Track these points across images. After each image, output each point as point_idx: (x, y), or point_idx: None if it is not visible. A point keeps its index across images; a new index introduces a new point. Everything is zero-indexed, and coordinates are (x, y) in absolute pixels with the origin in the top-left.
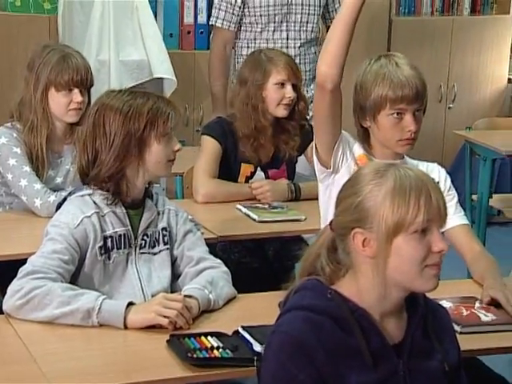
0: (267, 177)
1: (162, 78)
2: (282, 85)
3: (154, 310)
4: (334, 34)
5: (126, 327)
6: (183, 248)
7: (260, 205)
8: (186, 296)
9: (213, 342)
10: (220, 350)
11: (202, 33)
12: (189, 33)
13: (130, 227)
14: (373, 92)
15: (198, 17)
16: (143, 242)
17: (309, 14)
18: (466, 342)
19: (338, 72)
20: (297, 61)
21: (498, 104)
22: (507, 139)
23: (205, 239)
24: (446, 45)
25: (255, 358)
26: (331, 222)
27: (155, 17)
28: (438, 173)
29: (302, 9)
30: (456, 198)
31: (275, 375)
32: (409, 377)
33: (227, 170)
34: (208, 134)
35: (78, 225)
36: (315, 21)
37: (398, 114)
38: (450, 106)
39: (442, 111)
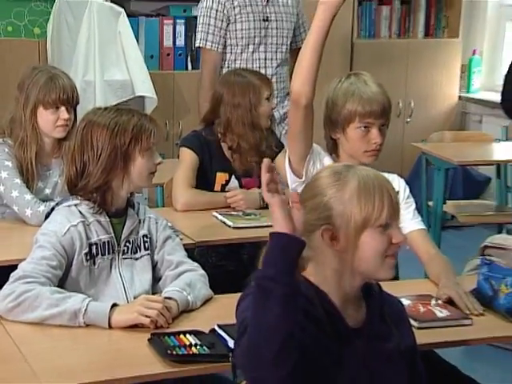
0: (241, 185)
1: (143, 96)
2: (268, 100)
3: (137, 311)
4: (304, 55)
5: (110, 327)
6: (163, 253)
7: (234, 212)
8: (166, 297)
9: (191, 339)
10: (198, 347)
11: (180, 55)
12: (168, 55)
13: (113, 235)
14: (344, 107)
15: (177, 40)
16: (126, 248)
17: (283, 36)
18: (423, 336)
19: (311, 90)
20: (274, 79)
21: (450, 119)
22: (458, 150)
23: (183, 244)
24: (403, 65)
25: (230, 353)
26: None
27: (137, 40)
28: (397, 183)
29: (277, 32)
30: (414, 206)
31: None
32: (368, 357)
33: (204, 179)
34: (186, 146)
35: (65, 233)
36: (288, 42)
37: (365, 127)
38: (408, 120)
39: (401, 125)
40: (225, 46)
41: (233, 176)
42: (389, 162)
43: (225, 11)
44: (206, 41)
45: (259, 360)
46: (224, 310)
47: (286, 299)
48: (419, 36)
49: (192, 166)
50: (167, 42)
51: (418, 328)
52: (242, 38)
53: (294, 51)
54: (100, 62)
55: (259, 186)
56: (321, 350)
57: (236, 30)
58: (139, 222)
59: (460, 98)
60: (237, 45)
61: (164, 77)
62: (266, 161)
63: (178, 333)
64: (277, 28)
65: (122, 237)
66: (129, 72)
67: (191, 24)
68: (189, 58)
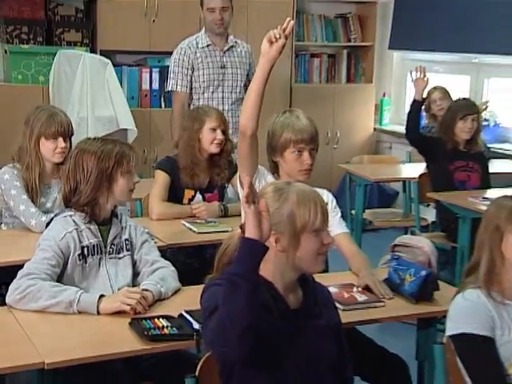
0: (204, 199)
1: (126, 129)
2: (214, 130)
3: (120, 300)
4: (249, 97)
5: (98, 313)
6: (141, 253)
7: (198, 220)
8: (143, 289)
9: (163, 322)
10: (169, 328)
11: (155, 96)
12: (146, 96)
13: (101, 239)
14: (281, 136)
15: (153, 84)
16: (111, 249)
17: (237, 80)
18: (347, 317)
19: (254, 123)
20: (229, 114)
21: (367, 146)
22: (374, 170)
23: (158, 246)
24: (331, 104)
25: (194, 333)
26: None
27: (121, 85)
28: (326, 196)
29: (232, 77)
30: (339, 214)
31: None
32: (305, 332)
33: (174, 194)
34: (159, 168)
35: (62, 238)
36: (242, 85)
37: (298, 151)
38: (335, 146)
39: (329, 151)
40: (191, 88)
41: (197, 192)
42: (320, 180)
43: (190, 61)
44: (176, 85)
45: (225, 340)
46: (190, 299)
47: (250, 293)
48: (343, 82)
49: (164, 184)
50: (145, 86)
51: (343, 310)
52: (204, 81)
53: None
54: (91, 102)
55: (218, 200)
56: (269, 327)
57: (199, 76)
58: (122, 228)
59: (374, 129)
60: (200, 87)
61: (142, 113)
62: (247, 179)
63: (153, 317)
64: (232, 74)
65: (108, 241)
66: (114, 110)
67: (164, 72)
68: (162, 99)
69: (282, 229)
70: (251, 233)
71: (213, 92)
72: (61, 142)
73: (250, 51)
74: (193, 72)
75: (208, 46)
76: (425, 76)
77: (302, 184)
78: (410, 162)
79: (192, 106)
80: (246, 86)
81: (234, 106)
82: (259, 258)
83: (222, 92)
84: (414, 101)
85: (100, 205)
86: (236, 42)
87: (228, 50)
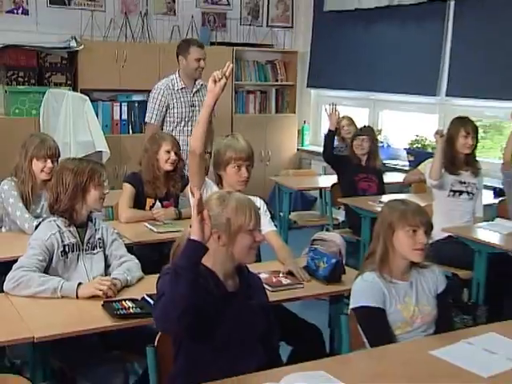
0: (162, 206)
1: (101, 151)
2: (168, 152)
3: (94, 287)
4: (199, 123)
5: (77, 297)
6: (111, 249)
7: (158, 223)
8: (113, 278)
9: (129, 304)
10: (133, 308)
11: (124, 124)
12: (117, 124)
13: (79, 239)
14: (224, 154)
15: (122, 115)
16: (87, 247)
17: None
18: (275, 296)
19: (202, 145)
20: None
21: (292, 162)
22: (297, 181)
23: (125, 244)
24: (263, 130)
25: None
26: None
27: (97, 116)
28: (259, 202)
29: (199, 114)
30: (269, 216)
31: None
32: (241, 310)
33: (138, 202)
34: (126, 181)
35: (48, 238)
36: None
37: (238, 166)
38: (267, 163)
39: (263, 166)
40: (164, 121)
41: (157, 200)
42: (255, 189)
43: (166, 101)
44: (151, 119)
45: (167, 318)
46: (150, 285)
47: (190, 282)
48: (272, 112)
49: (130, 194)
50: (116, 117)
51: (272, 291)
52: (178, 117)
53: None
54: (73, 129)
55: (174, 206)
56: (210, 306)
57: (174, 113)
58: (95, 230)
59: (297, 149)
60: (174, 121)
61: (114, 138)
62: (197, 193)
63: (121, 300)
64: (199, 111)
65: (85, 240)
66: (91, 136)
67: (131, 105)
68: (130, 127)
69: (222, 228)
70: (195, 235)
71: (184, 126)
72: (49, 163)
73: None
74: (167, 109)
75: (182, 88)
76: (336, 111)
77: (240, 193)
78: (325, 174)
79: None
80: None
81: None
82: (200, 256)
83: (191, 126)
84: (329, 130)
85: (77, 211)
86: (202, 84)
87: (197, 91)
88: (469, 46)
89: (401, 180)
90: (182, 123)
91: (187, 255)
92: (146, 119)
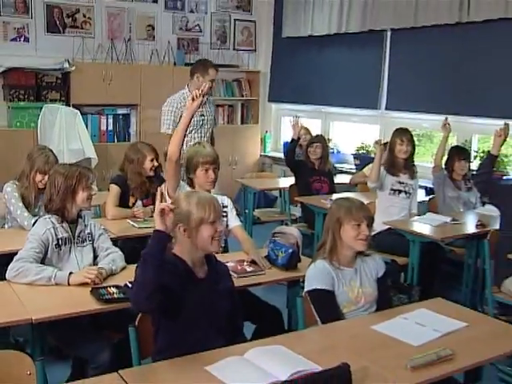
0: (143, 204)
1: (90, 158)
2: (152, 160)
3: (83, 275)
4: (177, 133)
5: (69, 284)
6: (99, 243)
7: (139, 219)
8: (100, 267)
9: (114, 290)
10: (117, 294)
11: (110, 134)
12: (104, 134)
13: (70, 233)
14: (193, 159)
15: (108, 127)
16: (78, 240)
17: (210, 125)
18: (241, 282)
19: (178, 151)
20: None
21: (256, 166)
22: (260, 182)
23: (111, 238)
24: (231, 138)
25: None
26: None
27: (86, 127)
28: (227, 200)
29: (207, 122)
30: (235, 212)
31: None
32: (209, 294)
33: (122, 200)
34: (113, 183)
35: (43, 233)
36: (212, 126)
37: (205, 170)
38: (234, 167)
39: (230, 170)
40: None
41: (138, 199)
42: (224, 190)
43: (180, 112)
44: (169, 129)
45: (139, 298)
46: (132, 273)
47: (156, 267)
48: (238, 123)
49: (116, 194)
50: (103, 128)
51: (237, 277)
52: (190, 126)
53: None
54: (66, 139)
55: (152, 204)
56: (182, 291)
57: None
58: (85, 225)
59: (260, 155)
60: (189, 131)
61: (101, 147)
62: (159, 191)
63: (106, 287)
64: (207, 120)
65: (76, 234)
66: (82, 144)
67: (116, 118)
68: (115, 136)
69: (187, 222)
70: (159, 227)
71: (194, 133)
72: (46, 177)
73: (213, 102)
74: (180, 119)
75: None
76: (299, 122)
77: (203, 192)
78: (284, 176)
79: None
80: (212, 129)
81: (205, 140)
82: (163, 244)
83: (200, 133)
84: (292, 139)
85: (68, 209)
86: (207, 98)
87: (204, 103)
88: (403, 68)
89: (349, 181)
90: (193, 131)
91: (152, 244)
92: (164, 131)
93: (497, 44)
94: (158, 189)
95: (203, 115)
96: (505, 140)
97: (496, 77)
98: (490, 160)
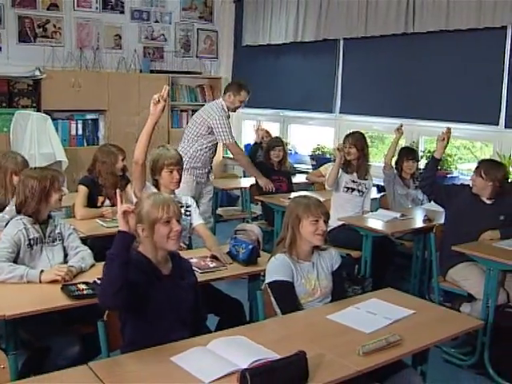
0: (111, 202)
1: (61, 161)
2: (122, 160)
3: (54, 273)
4: (142, 138)
5: (40, 282)
6: (68, 242)
7: (107, 219)
8: (70, 265)
9: (83, 286)
10: (86, 290)
11: (79, 138)
12: (73, 139)
13: (41, 233)
14: (158, 162)
15: (78, 131)
16: (48, 240)
17: None
18: (204, 277)
19: (144, 155)
20: (212, 162)
21: (219, 167)
22: (223, 182)
23: (80, 237)
24: None
25: None
26: None
27: (57, 132)
28: (190, 200)
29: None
30: (198, 211)
31: None
32: (173, 289)
33: (91, 200)
34: (81, 183)
35: (15, 234)
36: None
37: (170, 171)
38: None
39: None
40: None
41: (106, 198)
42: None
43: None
44: (230, 138)
45: (105, 294)
46: (101, 271)
47: (121, 265)
48: None
49: (84, 194)
50: (73, 132)
51: (201, 273)
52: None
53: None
54: (38, 143)
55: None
56: (148, 288)
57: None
58: (55, 226)
59: (223, 157)
60: (213, 143)
61: (72, 150)
62: (118, 193)
63: (76, 283)
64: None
65: (46, 234)
66: (53, 148)
67: (85, 123)
68: (84, 140)
69: (144, 221)
70: (122, 227)
71: (213, 145)
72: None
73: None
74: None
75: (228, 116)
76: (261, 126)
77: (162, 193)
78: (244, 177)
79: (196, 155)
80: None
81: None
82: (127, 243)
83: (217, 146)
84: (255, 142)
85: (40, 212)
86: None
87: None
88: (355, 74)
89: (306, 180)
90: (214, 142)
91: (117, 244)
92: (226, 141)
93: (439, 53)
94: (117, 191)
95: None
96: (447, 143)
97: (439, 83)
98: (434, 163)
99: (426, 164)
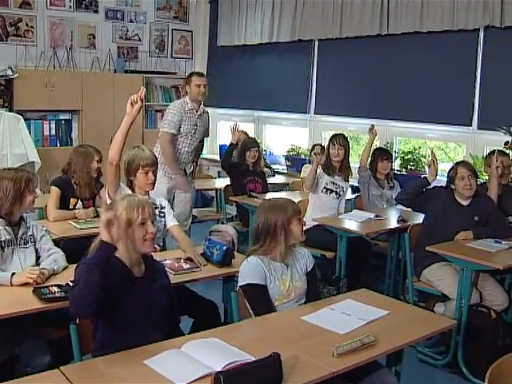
0: (84, 205)
1: (33, 161)
2: (98, 162)
3: (26, 275)
4: (117, 138)
5: (11, 285)
6: (41, 244)
7: (81, 220)
8: (42, 268)
9: (55, 289)
10: (59, 293)
11: (52, 139)
12: (46, 139)
13: (13, 235)
14: (133, 163)
15: (51, 131)
16: (20, 242)
17: (201, 134)
18: (178, 278)
19: (119, 156)
20: (189, 154)
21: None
22: (197, 183)
23: (52, 239)
24: None
25: None
26: None
27: (29, 132)
28: (164, 202)
29: (198, 132)
30: (172, 213)
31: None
32: (146, 291)
33: (63, 202)
34: (53, 185)
35: None
36: (202, 137)
37: (146, 172)
38: None
39: None
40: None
41: (79, 200)
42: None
43: (180, 116)
44: (165, 127)
45: (81, 302)
46: (73, 272)
47: (99, 274)
48: None
49: (57, 196)
50: (46, 133)
51: (175, 274)
52: (183, 131)
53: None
54: (9, 144)
55: (92, 205)
56: (120, 291)
57: (182, 127)
58: (27, 228)
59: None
60: (180, 135)
61: (45, 151)
62: (103, 201)
63: (48, 286)
64: (198, 130)
65: (18, 236)
66: (25, 149)
67: (58, 123)
68: (58, 141)
69: (120, 223)
70: (105, 238)
71: (185, 138)
72: None
73: (209, 117)
74: (180, 124)
75: (191, 109)
76: (238, 127)
77: (136, 195)
78: (219, 177)
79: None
80: (202, 138)
81: (193, 150)
82: (109, 254)
83: (191, 139)
84: (231, 143)
85: (13, 213)
86: (204, 110)
87: (200, 114)
88: (330, 75)
89: (279, 181)
90: (185, 137)
91: (98, 255)
92: (161, 129)
93: (413, 54)
94: (101, 198)
95: (196, 125)
96: (437, 165)
97: (413, 84)
98: (423, 185)
99: (414, 183)
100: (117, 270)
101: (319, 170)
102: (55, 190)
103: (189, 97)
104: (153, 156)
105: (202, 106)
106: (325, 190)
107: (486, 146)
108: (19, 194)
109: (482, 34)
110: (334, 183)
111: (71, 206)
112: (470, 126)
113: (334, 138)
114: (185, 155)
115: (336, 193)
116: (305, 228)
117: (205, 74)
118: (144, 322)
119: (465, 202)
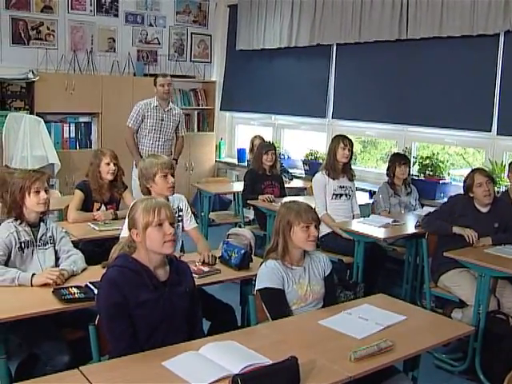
0: (107, 209)
1: (53, 163)
2: (108, 164)
3: (45, 276)
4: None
5: (32, 286)
6: (60, 245)
7: (99, 223)
8: (61, 269)
9: (75, 290)
10: (78, 294)
11: (72, 141)
12: (66, 141)
13: (32, 237)
14: (152, 169)
15: (71, 134)
16: (40, 243)
17: (170, 128)
18: (201, 281)
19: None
20: (162, 148)
21: (211, 171)
22: (215, 187)
23: (72, 240)
24: (188, 145)
25: (95, 297)
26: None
27: (49, 134)
28: (184, 202)
29: (167, 126)
30: (191, 214)
31: (102, 298)
32: (170, 295)
33: (86, 206)
34: (77, 188)
35: (7, 237)
36: (173, 132)
37: (164, 176)
38: (191, 172)
39: (188, 175)
40: (138, 130)
41: (102, 204)
42: (182, 193)
43: (142, 112)
44: (129, 123)
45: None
46: (93, 274)
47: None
48: (195, 131)
49: (80, 199)
50: (66, 135)
51: (199, 277)
52: (150, 126)
53: (177, 137)
54: (30, 146)
55: (116, 208)
56: (146, 295)
57: (147, 123)
58: (47, 229)
59: (216, 161)
60: (148, 130)
61: (64, 153)
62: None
63: (68, 287)
64: (167, 125)
65: (38, 237)
66: (45, 151)
67: (78, 126)
68: (77, 143)
69: (136, 226)
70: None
71: (154, 134)
72: None
73: (180, 113)
74: (143, 120)
75: (156, 106)
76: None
77: (154, 198)
78: (237, 181)
79: (140, 141)
80: (175, 133)
81: (166, 143)
82: None
83: (159, 135)
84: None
85: (24, 214)
86: (173, 107)
87: (168, 110)
88: (348, 80)
89: (297, 185)
90: (152, 132)
91: None
92: (127, 124)
93: (432, 59)
94: (125, 193)
95: (163, 120)
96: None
97: (432, 89)
98: (446, 231)
99: (439, 224)
100: (139, 277)
101: (324, 177)
102: (78, 194)
103: (157, 96)
104: (170, 160)
105: (170, 103)
106: (334, 196)
107: (506, 151)
108: (19, 195)
109: (502, 39)
110: (341, 186)
111: (94, 210)
112: (490, 131)
113: (342, 139)
114: (157, 148)
115: (346, 195)
116: (322, 234)
117: (223, 77)
118: (167, 326)
119: (484, 209)
